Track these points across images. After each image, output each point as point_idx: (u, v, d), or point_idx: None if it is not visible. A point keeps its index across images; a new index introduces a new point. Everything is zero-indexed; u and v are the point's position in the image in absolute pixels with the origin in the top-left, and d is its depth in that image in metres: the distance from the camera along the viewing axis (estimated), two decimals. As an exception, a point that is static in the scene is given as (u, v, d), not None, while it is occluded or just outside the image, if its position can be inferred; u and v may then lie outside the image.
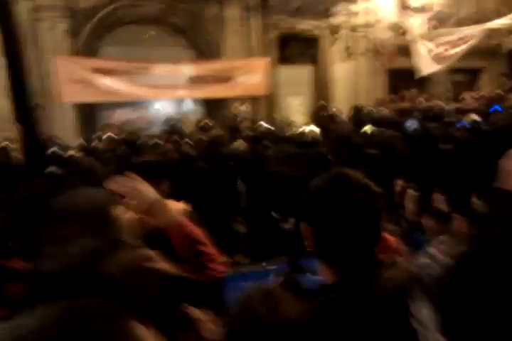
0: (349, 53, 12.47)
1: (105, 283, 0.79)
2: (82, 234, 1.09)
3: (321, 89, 12.45)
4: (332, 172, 1.27)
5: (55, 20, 9.07)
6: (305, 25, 11.86)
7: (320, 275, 1.27)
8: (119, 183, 1.53)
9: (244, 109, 10.81)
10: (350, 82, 12.44)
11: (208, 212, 4.67)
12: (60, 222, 1.16)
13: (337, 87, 12.34)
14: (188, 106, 11.18)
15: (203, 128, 7.98)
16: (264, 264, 5.91)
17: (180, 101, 10.89)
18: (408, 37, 12.24)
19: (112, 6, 9.47)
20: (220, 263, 1.84)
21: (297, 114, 10.21)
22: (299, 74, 12.11)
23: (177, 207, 2.48)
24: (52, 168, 4.99)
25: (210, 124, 8.38)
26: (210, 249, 1.87)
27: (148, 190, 1.62)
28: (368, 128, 6.99)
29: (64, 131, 8.53)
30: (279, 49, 11.71)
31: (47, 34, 9.01)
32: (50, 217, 1.19)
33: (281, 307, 1.03)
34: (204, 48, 10.67)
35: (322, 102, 11.46)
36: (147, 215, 1.58)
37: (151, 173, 2.48)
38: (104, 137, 7.22)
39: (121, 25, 9.81)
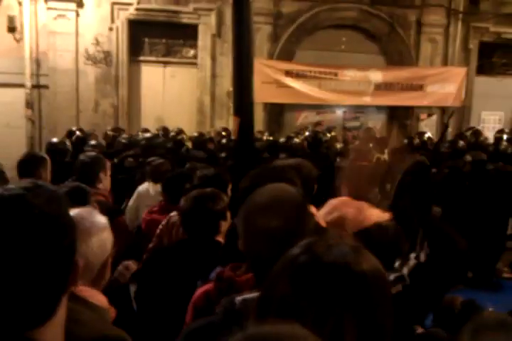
0: None
1: (356, 279, 0.79)
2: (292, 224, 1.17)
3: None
4: None
5: (259, 24, 9.64)
6: (513, 32, 10.66)
7: None
8: None
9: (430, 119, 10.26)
10: None
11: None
12: (269, 214, 1.19)
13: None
14: (371, 112, 10.95)
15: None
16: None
17: (362, 107, 10.72)
18: None
19: (315, 10, 9.73)
20: None
21: (492, 131, 9.23)
22: (500, 87, 10.91)
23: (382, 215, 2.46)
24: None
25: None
26: None
27: None
28: None
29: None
30: (478, 58, 10.77)
31: (250, 37, 9.66)
32: (257, 208, 1.23)
33: None
34: (396, 55, 10.34)
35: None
36: None
37: None
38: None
39: (319, 29, 10.02)
